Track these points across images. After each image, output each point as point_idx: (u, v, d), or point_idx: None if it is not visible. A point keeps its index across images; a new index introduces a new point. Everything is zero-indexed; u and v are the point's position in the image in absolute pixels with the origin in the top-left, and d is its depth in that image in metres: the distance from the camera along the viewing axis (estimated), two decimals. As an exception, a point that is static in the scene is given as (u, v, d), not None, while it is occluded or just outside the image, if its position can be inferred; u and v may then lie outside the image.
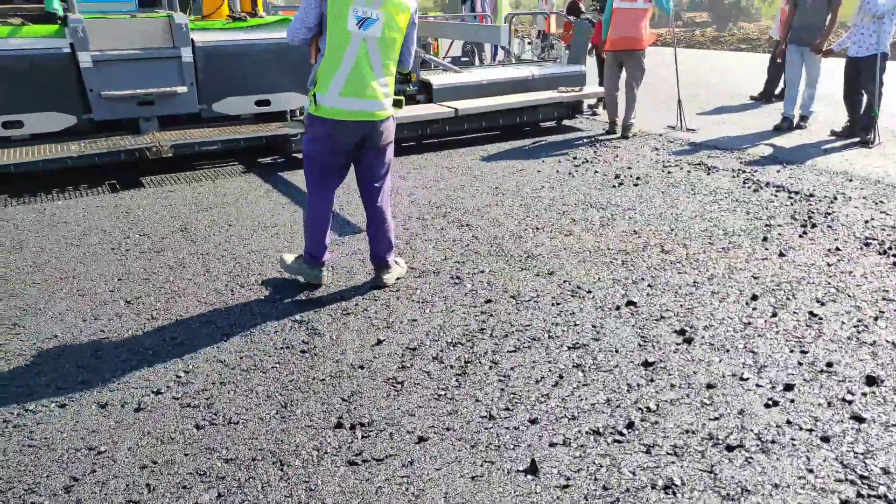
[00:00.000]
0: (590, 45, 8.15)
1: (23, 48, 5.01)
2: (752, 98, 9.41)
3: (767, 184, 5.18)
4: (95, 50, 5.18)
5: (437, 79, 6.96)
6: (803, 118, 7.32)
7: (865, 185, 5.13)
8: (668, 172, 5.59)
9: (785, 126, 7.19)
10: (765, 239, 4.00)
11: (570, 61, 7.99)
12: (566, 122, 7.81)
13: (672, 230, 4.20)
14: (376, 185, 3.20)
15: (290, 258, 3.35)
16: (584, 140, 6.97)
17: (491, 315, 3.07)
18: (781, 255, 3.76)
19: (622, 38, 6.66)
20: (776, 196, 4.88)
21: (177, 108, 5.66)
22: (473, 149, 6.60)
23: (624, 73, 6.94)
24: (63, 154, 4.94)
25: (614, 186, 5.21)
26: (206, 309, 3.14)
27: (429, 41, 8.45)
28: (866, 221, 4.29)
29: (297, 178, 5.53)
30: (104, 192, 5.16)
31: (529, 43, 10.06)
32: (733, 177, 5.42)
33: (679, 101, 7.41)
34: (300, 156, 6.28)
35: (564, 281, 3.45)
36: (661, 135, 7.16)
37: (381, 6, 2.84)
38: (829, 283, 3.38)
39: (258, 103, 6.02)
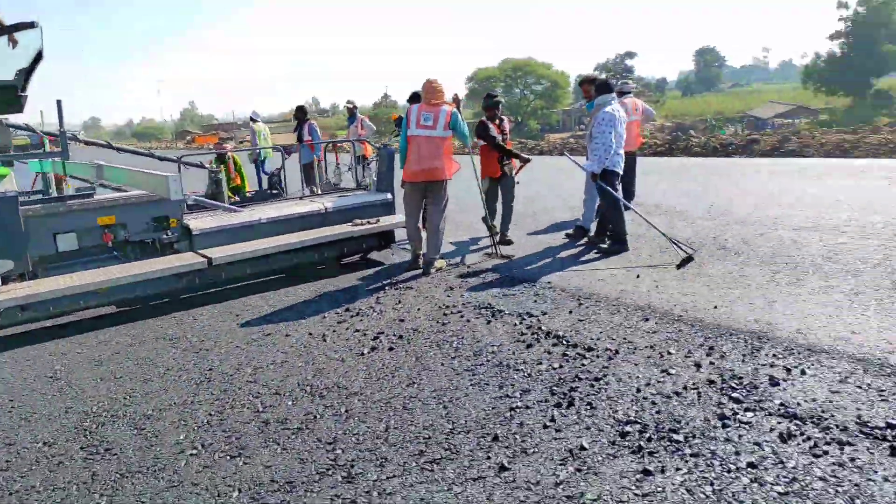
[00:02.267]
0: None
1: None
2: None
3: (549, 333, 4.24)
4: None
5: (199, 223, 5.90)
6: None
7: (661, 325, 4.27)
8: (443, 324, 4.59)
9: (578, 236, 7.01)
10: (495, 438, 2.94)
11: (379, 190, 7.17)
12: (375, 256, 6.87)
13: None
14: None
15: None
16: (379, 280, 5.97)
17: None
18: (503, 468, 2.68)
19: (422, 170, 5.87)
20: (550, 353, 3.91)
21: None
22: (238, 301, 5.47)
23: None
24: None
25: (361, 354, 4.12)
26: None
27: (218, 173, 7.47)
28: (638, 390, 3.32)
29: None
30: None
31: (349, 169, 9.34)
32: (516, 324, 4.47)
33: (490, 227, 6.61)
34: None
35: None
36: (469, 266, 6.28)
37: None
38: (540, 529, 2.28)
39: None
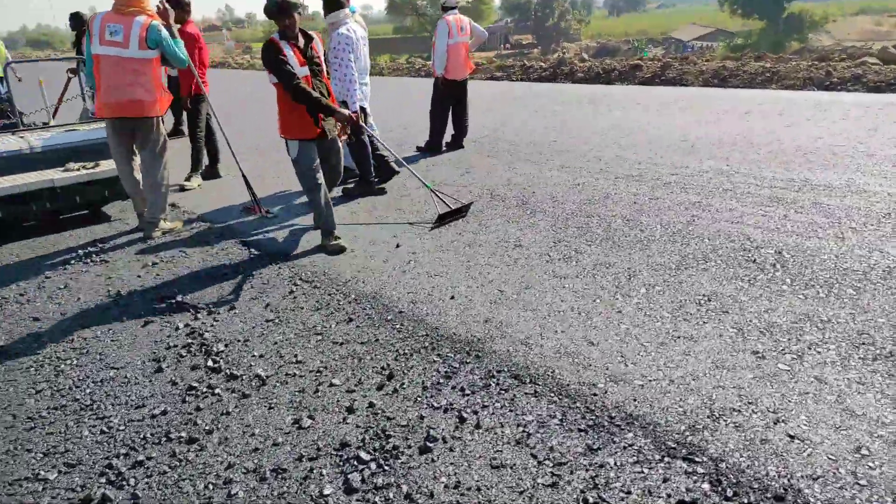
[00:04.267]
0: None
1: None
2: (417, 149, 7.64)
3: (203, 346, 3.08)
4: None
5: None
6: None
7: (362, 329, 3.20)
8: (84, 328, 3.35)
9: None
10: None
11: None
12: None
13: None
14: None
15: None
16: (78, 250, 4.61)
17: None
18: None
19: (117, 103, 4.41)
20: (175, 384, 2.78)
21: None
22: None
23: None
24: None
25: (-85, 385, 2.85)
26: None
27: None
28: (229, 465, 2.23)
29: None
30: None
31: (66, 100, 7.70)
32: (178, 328, 3.28)
33: (244, 176, 5.29)
34: None
35: None
36: (213, 227, 4.99)
37: None
38: None
39: None
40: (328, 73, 4.29)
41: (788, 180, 5.26)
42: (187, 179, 6.31)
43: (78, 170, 5.03)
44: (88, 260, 4.36)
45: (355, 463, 2.21)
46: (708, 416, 2.36)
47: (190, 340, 3.16)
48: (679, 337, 2.95)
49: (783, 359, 2.71)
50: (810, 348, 2.78)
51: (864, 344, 2.78)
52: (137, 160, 4.74)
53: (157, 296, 3.72)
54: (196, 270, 4.11)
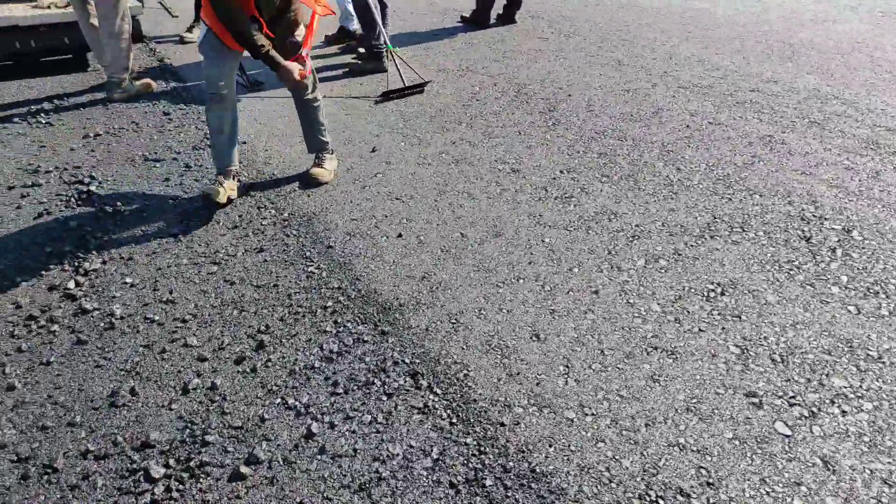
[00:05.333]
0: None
1: None
2: (462, 19, 6.53)
3: (77, 260, 2.57)
4: None
5: None
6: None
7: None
8: (-27, 210, 2.91)
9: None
10: None
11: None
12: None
13: None
14: None
15: None
16: (42, 103, 4.13)
17: None
18: None
19: None
20: (28, 303, 2.30)
21: None
22: None
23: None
24: None
25: None
26: None
27: None
28: None
29: None
30: None
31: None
32: (66, 230, 2.78)
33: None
34: None
35: None
36: (189, 93, 4.37)
37: None
38: None
39: None
40: None
41: (903, 120, 3.99)
42: (189, 30, 5.60)
43: (48, 7, 4.40)
44: (33, 120, 3.86)
45: (140, 479, 1.68)
46: (637, 499, 1.66)
47: (68, 249, 2.64)
48: (655, 348, 2.18)
49: (789, 416, 1.91)
50: (830, 398, 1.95)
51: (915, 411, 1.92)
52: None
53: (71, 179, 3.20)
54: (134, 152, 3.54)
